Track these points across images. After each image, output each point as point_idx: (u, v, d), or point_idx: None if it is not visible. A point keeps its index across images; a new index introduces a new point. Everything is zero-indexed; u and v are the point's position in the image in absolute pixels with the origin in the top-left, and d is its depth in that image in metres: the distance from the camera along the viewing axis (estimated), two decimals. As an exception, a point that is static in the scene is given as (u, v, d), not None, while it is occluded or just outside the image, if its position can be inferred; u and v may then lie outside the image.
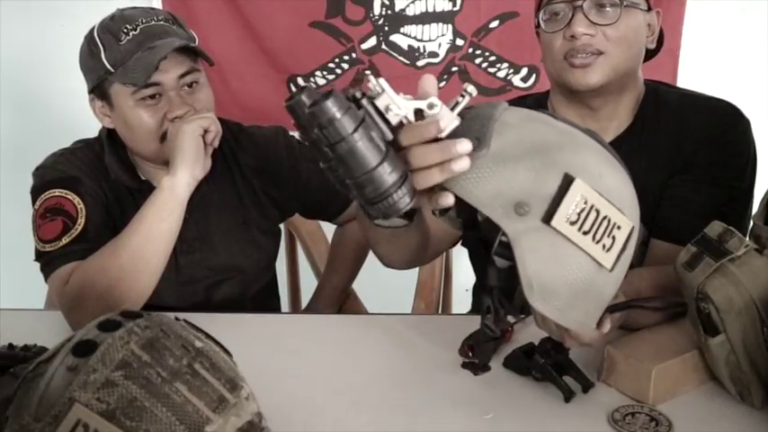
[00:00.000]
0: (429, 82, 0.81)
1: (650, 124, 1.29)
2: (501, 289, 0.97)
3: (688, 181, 1.25)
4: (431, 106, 0.78)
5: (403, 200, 0.77)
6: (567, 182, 0.79)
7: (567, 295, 0.82)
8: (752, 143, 1.28)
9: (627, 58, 1.23)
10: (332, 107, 0.72)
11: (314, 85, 1.48)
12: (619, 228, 0.82)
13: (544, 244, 0.80)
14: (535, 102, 1.39)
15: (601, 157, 0.85)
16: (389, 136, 0.77)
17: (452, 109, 0.80)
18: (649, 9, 1.25)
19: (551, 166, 0.80)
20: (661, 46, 1.32)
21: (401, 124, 0.78)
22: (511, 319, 0.93)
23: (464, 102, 0.80)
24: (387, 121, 0.77)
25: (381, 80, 0.77)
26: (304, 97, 0.75)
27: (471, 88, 0.79)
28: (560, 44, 1.22)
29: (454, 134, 0.79)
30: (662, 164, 1.27)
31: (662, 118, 1.29)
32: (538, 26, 1.29)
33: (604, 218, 0.81)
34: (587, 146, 0.84)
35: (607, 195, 0.81)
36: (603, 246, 0.81)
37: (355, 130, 0.73)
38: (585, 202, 0.79)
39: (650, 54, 1.32)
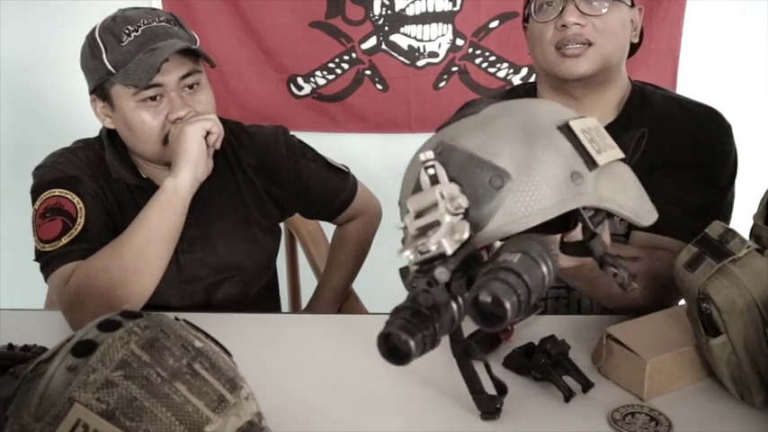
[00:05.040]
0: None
1: (636, 122, 1.32)
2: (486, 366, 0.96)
3: (669, 176, 1.28)
4: (452, 199, 0.77)
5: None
6: (568, 128, 0.82)
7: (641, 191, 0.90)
8: (733, 146, 1.32)
9: (614, 49, 1.29)
10: (412, 348, 0.77)
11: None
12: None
13: (611, 180, 0.84)
14: (525, 91, 1.47)
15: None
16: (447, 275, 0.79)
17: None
18: (632, 5, 1.32)
19: (546, 134, 0.82)
20: (641, 42, 1.38)
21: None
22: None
23: None
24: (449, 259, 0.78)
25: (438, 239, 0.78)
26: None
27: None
28: (552, 34, 1.28)
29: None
30: (642, 162, 1.29)
31: (646, 117, 1.32)
32: (526, 20, 1.36)
33: (596, 128, 0.87)
34: (520, 107, 0.88)
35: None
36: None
37: (417, 346, 0.76)
38: (586, 129, 0.84)
39: (631, 50, 1.38)
